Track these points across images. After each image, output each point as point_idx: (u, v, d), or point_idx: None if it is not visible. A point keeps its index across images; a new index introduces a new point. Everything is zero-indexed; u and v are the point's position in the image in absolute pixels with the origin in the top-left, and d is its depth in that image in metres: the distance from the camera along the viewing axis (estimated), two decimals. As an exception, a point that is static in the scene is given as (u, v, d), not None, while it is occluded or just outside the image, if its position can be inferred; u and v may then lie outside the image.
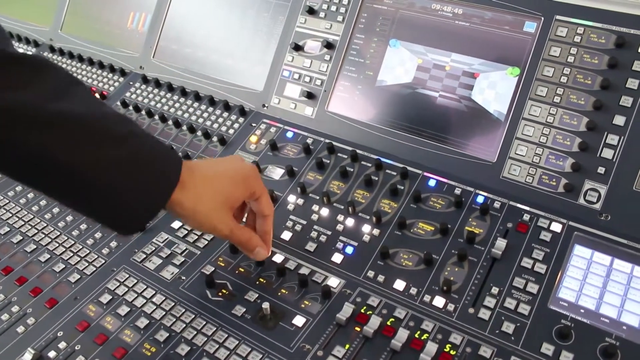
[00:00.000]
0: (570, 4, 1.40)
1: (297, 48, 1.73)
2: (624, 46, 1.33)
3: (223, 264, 1.37)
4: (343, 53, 1.66)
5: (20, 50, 2.25)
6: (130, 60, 2.09)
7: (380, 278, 1.29)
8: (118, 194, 1.01)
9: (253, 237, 1.28)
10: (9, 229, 1.54)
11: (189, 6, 2.00)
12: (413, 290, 1.26)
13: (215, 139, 1.71)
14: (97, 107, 1.02)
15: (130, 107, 1.91)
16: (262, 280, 1.32)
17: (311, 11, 1.73)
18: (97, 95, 2.02)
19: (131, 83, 2.02)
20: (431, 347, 1.12)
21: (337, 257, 1.35)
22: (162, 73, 2.00)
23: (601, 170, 1.31)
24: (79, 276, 1.38)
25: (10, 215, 1.59)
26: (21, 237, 1.51)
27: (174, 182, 1.08)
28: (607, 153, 1.31)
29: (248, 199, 1.27)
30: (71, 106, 0.96)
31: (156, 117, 1.84)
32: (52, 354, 1.20)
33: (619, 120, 1.31)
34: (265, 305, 1.23)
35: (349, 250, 1.36)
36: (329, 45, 1.68)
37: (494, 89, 1.45)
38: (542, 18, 1.42)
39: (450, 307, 1.21)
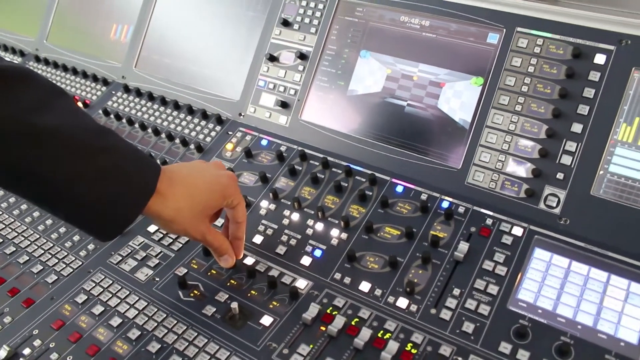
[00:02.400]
0: (531, 17, 1.46)
1: (273, 59, 1.78)
2: (580, 57, 1.39)
3: (196, 267, 1.41)
4: (316, 64, 1.71)
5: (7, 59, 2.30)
6: (113, 70, 2.14)
7: (347, 280, 1.33)
8: (94, 205, 1.04)
9: (224, 244, 1.32)
10: (-11, 233, 1.59)
11: (170, 18, 2.05)
12: (378, 292, 1.29)
13: (192, 146, 1.75)
14: (78, 118, 1.05)
15: (112, 116, 1.95)
16: (232, 281, 1.36)
17: (286, 23, 1.78)
18: (80, 104, 2.06)
19: (113, 92, 2.07)
20: (393, 346, 1.15)
21: (306, 260, 1.39)
22: (143, 83, 2.04)
23: (560, 175, 1.35)
24: (56, 277, 1.42)
25: (-9, 219, 1.64)
26: (1, 240, 1.55)
27: (149, 193, 1.10)
28: (566, 159, 1.36)
29: (226, 207, 1.31)
30: (51, 119, 0.98)
31: (136, 125, 1.89)
32: (26, 351, 1.23)
33: (577, 127, 1.36)
34: (234, 305, 1.26)
35: (318, 253, 1.40)
36: (302, 56, 1.73)
37: (459, 98, 1.50)
38: (504, 30, 1.48)
39: (413, 307, 1.25)
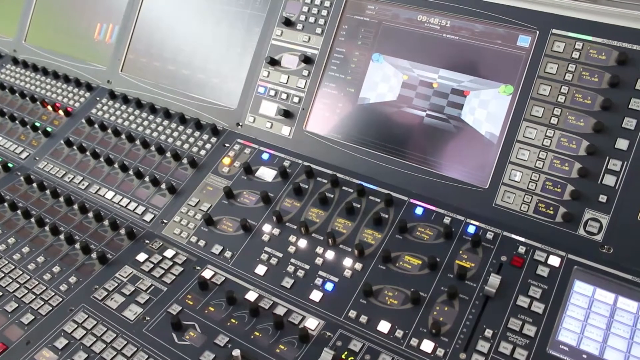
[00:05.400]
0: (568, 17, 1.30)
1: (273, 62, 1.62)
2: (626, 63, 1.23)
3: (191, 303, 1.25)
4: (322, 68, 1.55)
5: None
6: (97, 73, 1.97)
7: (363, 319, 1.18)
8: None
9: None
10: (-43, 263, 1.42)
11: (159, 17, 1.88)
12: (399, 333, 1.15)
13: (185, 160, 1.59)
14: None
15: (96, 125, 1.78)
16: (233, 320, 1.20)
17: (288, 22, 1.62)
18: (61, 112, 1.89)
19: (98, 99, 1.90)
20: (419, 400, 1.01)
21: (316, 295, 1.24)
22: (130, 88, 1.87)
23: (603, 198, 1.21)
24: (33, 317, 1.26)
25: (-39, 246, 1.47)
26: (-30, 273, 1.39)
27: None
28: (609, 180, 1.21)
29: None
30: None
31: (123, 136, 1.72)
32: (-4, 411, 1.08)
33: (622, 143, 1.21)
34: (236, 352, 1.11)
35: (329, 286, 1.25)
36: (307, 60, 1.57)
37: (486, 109, 1.34)
38: (537, 32, 1.32)
39: (440, 352, 1.11)
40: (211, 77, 1.74)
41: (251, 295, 1.25)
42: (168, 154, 1.63)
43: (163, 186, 1.54)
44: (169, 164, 1.61)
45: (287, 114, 1.57)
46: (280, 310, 1.22)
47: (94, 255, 1.39)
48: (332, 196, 1.40)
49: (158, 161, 1.63)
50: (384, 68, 1.47)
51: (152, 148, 1.66)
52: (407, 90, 1.44)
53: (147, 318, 1.23)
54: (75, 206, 1.54)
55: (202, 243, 1.39)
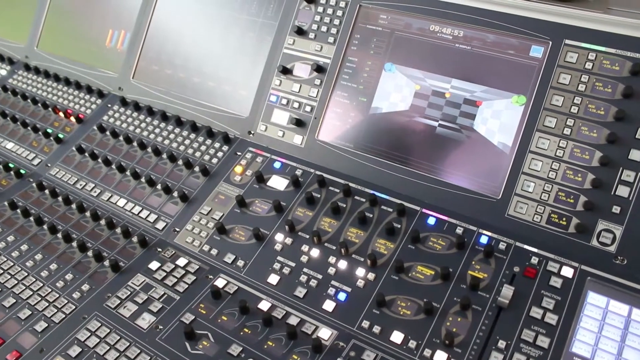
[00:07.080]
0: (581, 27, 1.30)
1: (285, 71, 1.62)
2: (640, 74, 1.23)
3: (204, 312, 1.25)
4: (334, 77, 1.55)
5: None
6: (109, 80, 1.97)
7: (376, 329, 1.18)
8: None
9: None
10: (-29, 270, 1.42)
11: (171, 24, 1.88)
12: (412, 344, 1.15)
13: (197, 168, 1.59)
14: None
15: (108, 132, 1.78)
16: (246, 330, 1.20)
17: (300, 31, 1.62)
18: (73, 118, 1.89)
19: (109, 105, 1.90)
20: (433, 412, 1.01)
21: (329, 305, 1.24)
22: (142, 95, 1.88)
23: (616, 209, 1.20)
24: (47, 324, 1.26)
25: (-26, 253, 1.47)
26: (-16, 279, 1.39)
27: None
28: (623, 191, 1.20)
29: None
30: None
31: (135, 143, 1.72)
32: (11, 420, 1.09)
33: (636, 154, 1.20)
34: (250, 363, 1.11)
35: (342, 296, 1.25)
36: (319, 69, 1.57)
37: (498, 119, 1.34)
38: (550, 42, 1.32)
39: (453, 363, 1.10)
40: (223, 85, 1.74)
41: (264, 305, 1.25)
42: (180, 162, 1.63)
43: (175, 194, 1.55)
44: (181, 172, 1.61)
45: (299, 123, 1.57)
46: (293, 320, 1.22)
47: (106, 263, 1.39)
48: (344, 206, 1.40)
49: (170, 169, 1.63)
50: (396, 78, 1.47)
51: (164, 156, 1.66)
52: (419, 100, 1.44)
53: (160, 327, 1.23)
54: (88, 213, 1.55)
55: (214, 252, 1.40)
